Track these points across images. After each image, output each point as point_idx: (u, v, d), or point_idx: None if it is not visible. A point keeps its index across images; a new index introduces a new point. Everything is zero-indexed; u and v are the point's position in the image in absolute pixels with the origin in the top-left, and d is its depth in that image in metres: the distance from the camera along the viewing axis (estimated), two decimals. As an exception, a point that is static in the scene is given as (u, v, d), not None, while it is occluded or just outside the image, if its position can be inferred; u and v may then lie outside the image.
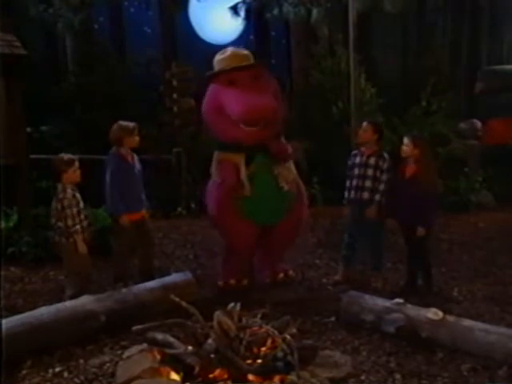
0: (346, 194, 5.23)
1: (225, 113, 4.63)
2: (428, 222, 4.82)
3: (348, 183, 5.21)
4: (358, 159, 5.13)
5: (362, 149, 5.16)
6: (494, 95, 10.50)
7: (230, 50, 4.81)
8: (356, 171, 5.11)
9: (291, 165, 5.03)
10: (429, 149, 4.90)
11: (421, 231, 4.76)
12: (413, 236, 4.82)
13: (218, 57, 4.83)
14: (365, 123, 5.23)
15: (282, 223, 4.96)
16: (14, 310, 4.50)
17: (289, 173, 4.92)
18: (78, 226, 4.47)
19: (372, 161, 5.06)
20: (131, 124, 4.90)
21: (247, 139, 4.68)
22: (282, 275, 5.24)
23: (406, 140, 4.83)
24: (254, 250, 5.11)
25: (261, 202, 4.80)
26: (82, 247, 4.50)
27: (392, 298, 4.30)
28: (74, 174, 4.52)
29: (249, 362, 3.19)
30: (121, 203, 4.79)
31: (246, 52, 4.87)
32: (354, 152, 5.25)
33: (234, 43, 13.61)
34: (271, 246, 5.13)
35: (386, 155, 5.10)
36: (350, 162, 5.24)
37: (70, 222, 4.44)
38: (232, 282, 5.04)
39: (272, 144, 4.81)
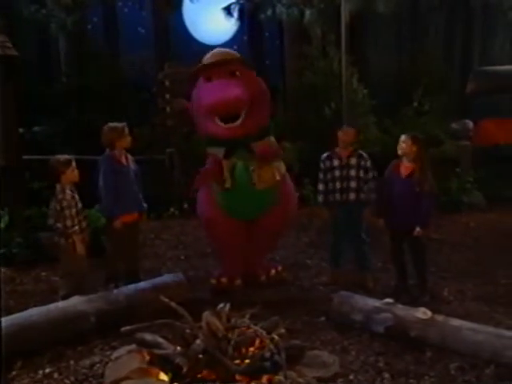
0: (321, 197, 5.14)
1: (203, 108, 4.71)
2: (425, 222, 4.78)
3: (322, 187, 5.14)
4: (336, 161, 5.10)
5: (337, 150, 5.14)
6: (485, 96, 10.54)
7: (215, 50, 4.92)
8: (337, 173, 5.08)
9: (278, 164, 4.98)
10: (426, 148, 4.87)
11: (419, 231, 4.71)
12: (409, 236, 4.79)
13: (204, 58, 4.92)
14: (346, 127, 5.25)
15: (266, 219, 4.98)
16: (4, 311, 4.49)
17: (267, 172, 4.81)
18: (76, 227, 4.48)
19: (353, 161, 5.07)
20: (120, 124, 4.89)
21: (226, 135, 4.70)
22: (273, 272, 5.31)
23: (404, 137, 4.76)
24: (240, 246, 5.10)
25: (237, 196, 4.85)
26: (81, 248, 4.51)
27: (383, 299, 4.32)
28: (72, 173, 4.54)
29: (237, 362, 3.20)
30: (115, 206, 4.79)
31: (228, 50, 4.97)
32: (327, 154, 5.15)
33: (228, 44, 13.66)
34: (257, 242, 5.15)
35: (365, 154, 5.13)
36: (325, 165, 5.13)
37: (68, 223, 4.45)
38: (224, 280, 5.07)
39: (255, 144, 4.80)
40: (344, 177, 5.06)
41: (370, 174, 5.07)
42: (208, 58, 4.85)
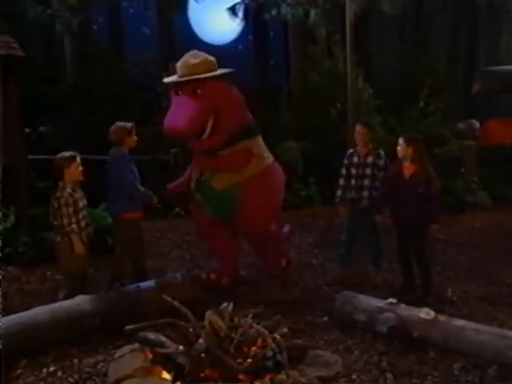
0: (340, 192, 5.30)
1: None
2: (430, 221, 4.78)
3: (343, 182, 5.28)
4: (355, 159, 5.22)
5: (357, 148, 5.25)
6: (491, 96, 10.52)
7: (187, 55, 4.69)
8: (353, 171, 5.19)
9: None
10: (423, 147, 4.86)
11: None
12: (413, 236, 4.81)
13: (178, 63, 4.74)
14: (359, 125, 5.31)
15: (239, 218, 4.97)
16: (10, 310, 4.52)
17: (222, 177, 4.88)
18: (74, 226, 4.42)
19: (370, 160, 5.16)
20: (129, 124, 4.93)
21: (196, 148, 4.95)
22: (284, 262, 5.29)
23: (399, 140, 4.85)
24: (226, 245, 5.19)
25: (209, 197, 5.01)
26: (79, 247, 4.46)
27: (387, 298, 4.32)
28: (75, 170, 4.49)
29: (239, 361, 3.21)
30: (129, 203, 4.78)
31: (198, 60, 4.63)
32: (351, 151, 5.30)
33: (233, 43, 13.70)
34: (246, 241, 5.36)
35: (382, 152, 5.19)
36: (346, 162, 5.29)
37: (65, 221, 4.41)
38: (212, 276, 5.13)
39: (223, 151, 4.80)
40: (359, 175, 5.16)
41: (381, 173, 5.13)
42: (178, 67, 4.69)
